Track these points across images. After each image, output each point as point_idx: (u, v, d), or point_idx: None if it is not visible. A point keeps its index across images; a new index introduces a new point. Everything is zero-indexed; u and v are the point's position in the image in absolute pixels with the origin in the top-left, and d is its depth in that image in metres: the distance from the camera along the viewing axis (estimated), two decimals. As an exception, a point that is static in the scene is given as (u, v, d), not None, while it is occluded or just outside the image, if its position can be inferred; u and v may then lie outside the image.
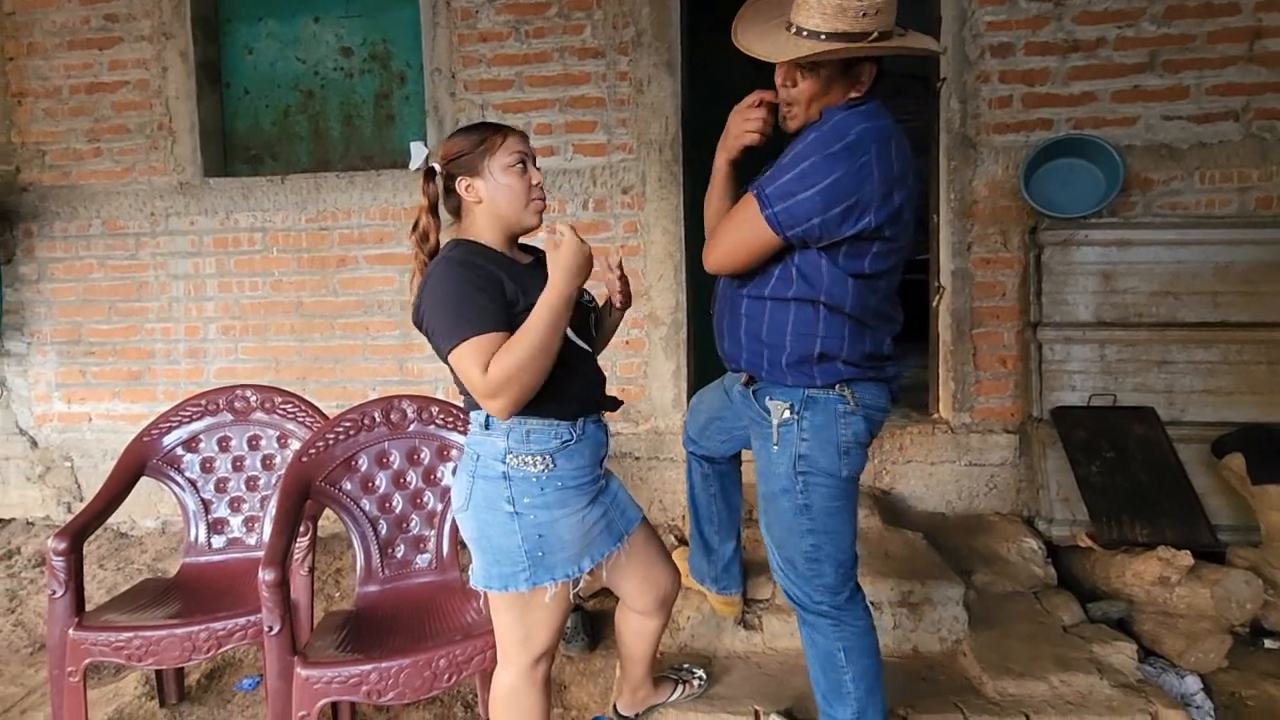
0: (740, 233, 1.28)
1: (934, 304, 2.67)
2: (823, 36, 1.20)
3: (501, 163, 1.24)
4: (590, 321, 1.32)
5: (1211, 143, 2.46)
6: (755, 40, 1.30)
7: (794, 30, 1.25)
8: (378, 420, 1.83)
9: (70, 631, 1.57)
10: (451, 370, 1.21)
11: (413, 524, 1.82)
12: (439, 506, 1.84)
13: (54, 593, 1.60)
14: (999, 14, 2.49)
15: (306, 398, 2.05)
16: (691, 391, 2.74)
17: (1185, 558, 1.93)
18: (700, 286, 2.75)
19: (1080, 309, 2.41)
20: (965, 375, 2.60)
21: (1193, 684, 1.83)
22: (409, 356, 2.83)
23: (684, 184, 2.65)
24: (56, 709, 1.59)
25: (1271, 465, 2.13)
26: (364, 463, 1.79)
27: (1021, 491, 2.54)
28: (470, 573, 1.31)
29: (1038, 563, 2.25)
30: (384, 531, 1.79)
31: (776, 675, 1.87)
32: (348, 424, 1.79)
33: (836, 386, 1.31)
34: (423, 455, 1.85)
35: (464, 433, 1.85)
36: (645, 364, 2.73)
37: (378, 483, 1.80)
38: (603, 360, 2.57)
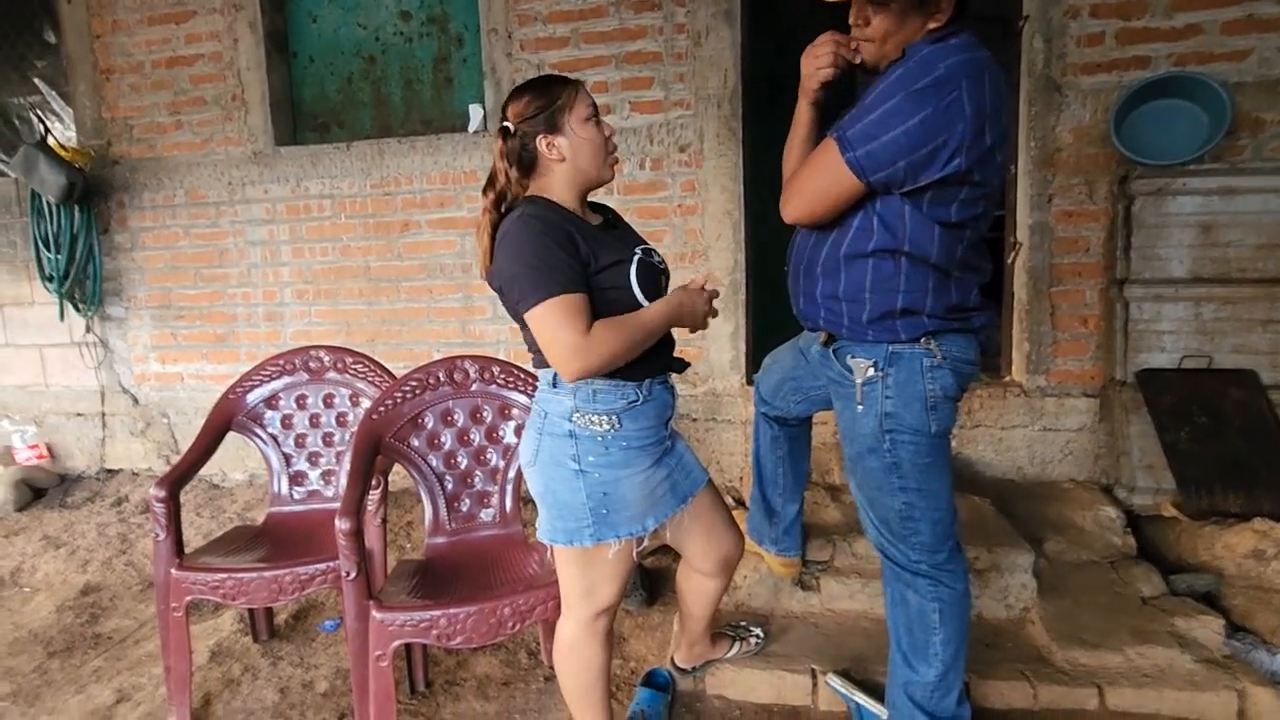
0: (821, 179, 1.22)
1: (1009, 261, 2.52)
2: None
3: (580, 115, 1.24)
4: (662, 284, 1.31)
5: (1338, 76, 2.21)
6: None
7: None
8: (442, 380, 1.89)
9: (172, 571, 1.71)
10: (524, 328, 1.23)
11: (476, 480, 1.89)
12: (501, 463, 1.89)
13: (157, 536, 1.74)
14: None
15: (375, 359, 2.13)
16: (750, 353, 2.71)
17: (1285, 530, 1.80)
18: (760, 247, 2.69)
19: (1174, 264, 2.23)
20: (1041, 336, 2.47)
21: (1285, 662, 1.72)
22: (471, 319, 2.90)
23: (743, 140, 2.58)
24: (164, 640, 1.75)
25: (1391, 433, 1.95)
26: (430, 420, 1.86)
27: (1100, 458, 2.42)
28: (536, 526, 1.35)
29: (1116, 532, 2.15)
30: (450, 486, 1.86)
31: (834, 636, 1.86)
32: (414, 383, 1.85)
33: (922, 340, 1.25)
34: (485, 414, 1.90)
35: (526, 393, 1.89)
36: (703, 325, 2.70)
37: (443, 440, 1.86)
38: None
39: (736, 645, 1.78)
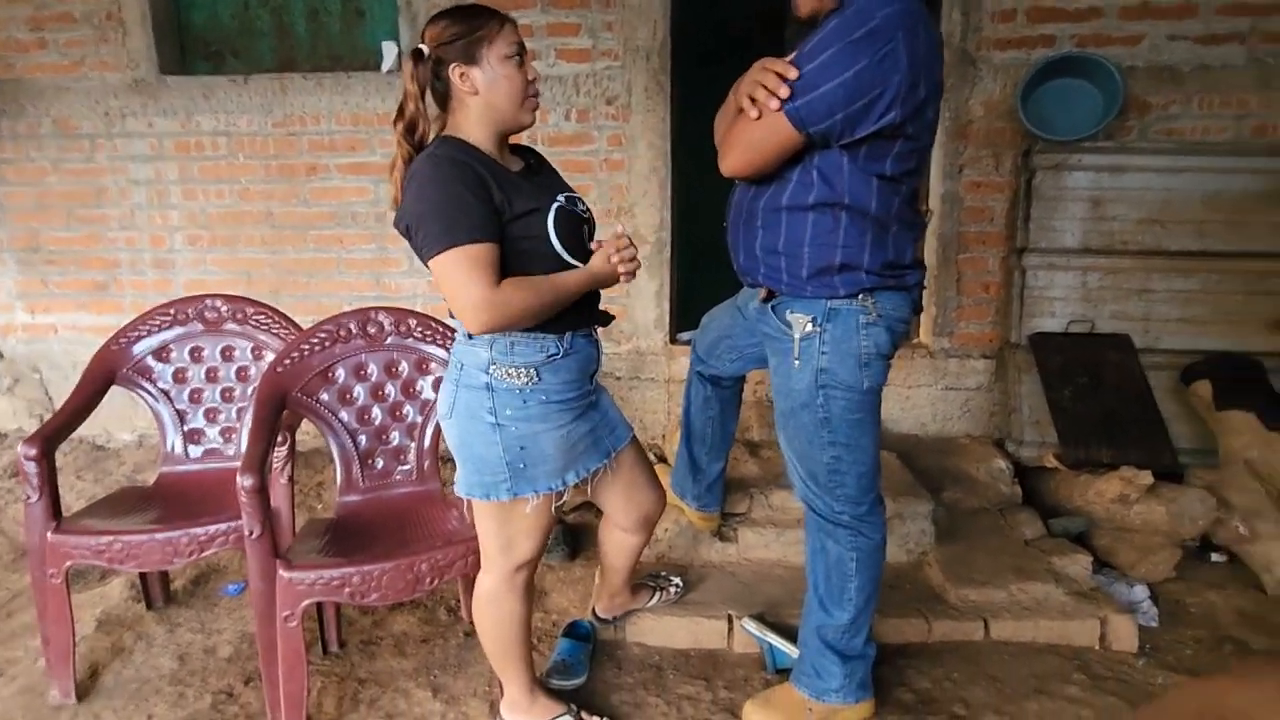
0: (759, 130, 1.20)
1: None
2: None
3: (500, 52, 1.17)
4: (584, 234, 1.27)
5: (1214, 66, 2.39)
6: None
7: None
8: (354, 332, 1.79)
9: (49, 535, 1.56)
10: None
11: (392, 435, 1.82)
12: (419, 419, 1.83)
13: (29, 498, 1.58)
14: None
15: (280, 310, 2.00)
16: (675, 312, 2.72)
17: (1146, 477, 2.00)
18: (688, 207, 2.68)
19: (1067, 235, 2.39)
20: (948, 301, 2.60)
21: (1140, 592, 1.94)
22: (385, 271, 2.76)
23: (672, 96, 2.54)
24: (41, 609, 1.61)
25: (1236, 392, 2.19)
26: (341, 374, 1.77)
27: (994, 415, 2.60)
28: (454, 480, 1.32)
29: (1005, 482, 2.33)
30: (363, 443, 1.79)
31: (750, 583, 1.94)
32: (323, 335, 1.75)
33: (859, 296, 1.27)
34: (401, 368, 1.83)
35: (444, 347, 1.83)
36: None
37: (355, 394, 1.78)
38: None
39: (656, 595, 1.82)
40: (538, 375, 1.22)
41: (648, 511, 1.51)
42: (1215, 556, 2.13)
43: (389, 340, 1.83)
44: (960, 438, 2.62)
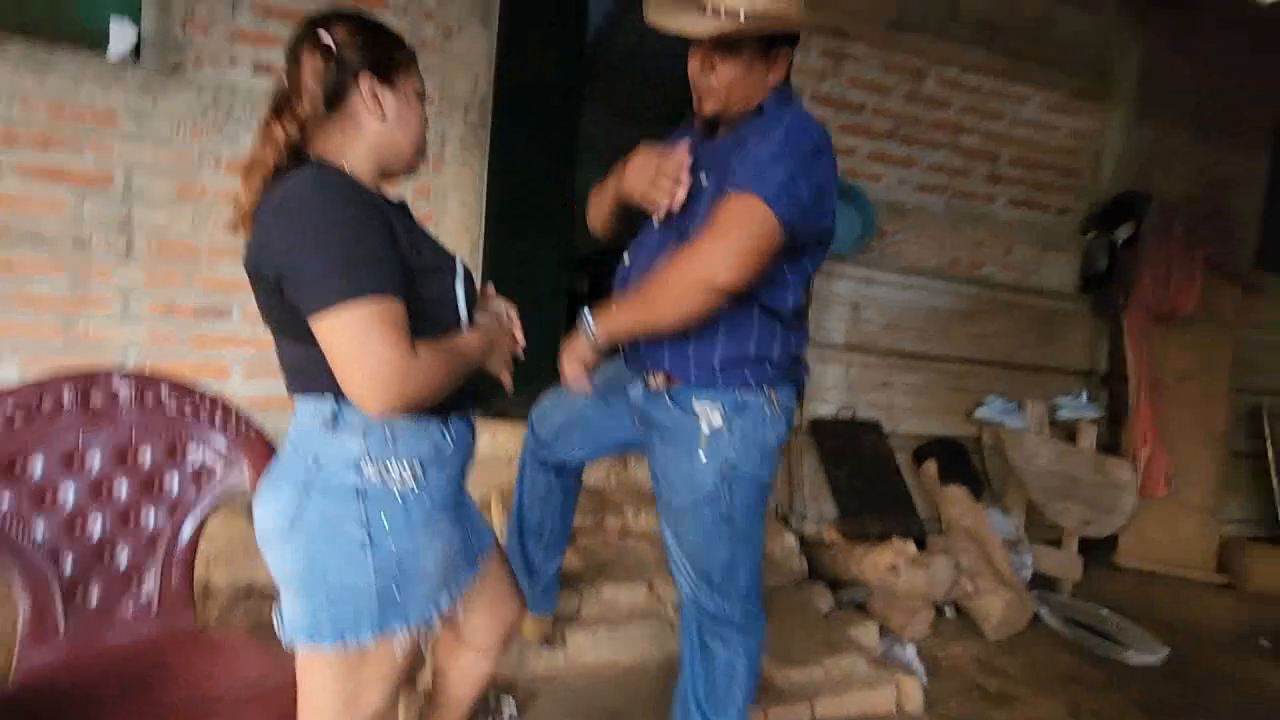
0: (753, 238, 1.11)
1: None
2: (742, 16, 1.15)
3: (413, 86, 0.99)
4: (474, 293, 1.05)
5: (926, 208, 3.04)
6: (671, 19, 1.21)
7: (710, 11, 1.18)
8: (66, 405, 1.25)
9: None
10: (285, 336, 0.91)
11: (120, 554, 1.28)
12: (165, 525, 1.32)
13: None
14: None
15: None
16: (478, 385, 2.47)
17: (911, 547, 2.32)
18: (499, 268, 2.50)
19: (835, 333, 2.77)
20: (739, 384, 2.80)
21: (911, 652, 2.20)
22: (83, 314, 2.04)
23: (490, 154, 2.39)
24: None
25: (953, 470, 2.69)
26: (37, 467, 1.21)
27: (777, 493, 2.82)
28: (276, 618, 0.94)
29: (795, 557, 2.51)
30: (70, 567, 1.22)
31: (585, 693, 1.75)
32: (10, 408, 1.19)
33: (764, 388, 1.24)
34: (141, 456, 1.32)
35: (214, 423, 1.38)
36: (427, 350, 2.38)
37: (61, 496, 1.22)
38: None
39: (489, 727, 1.53)
40: (423, 473, 0.96)
41: (510, 624, 1.27)
42: (948, 612, 2.54)
43: (124, 414, 1.31)
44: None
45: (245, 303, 2.15)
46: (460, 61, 2.31)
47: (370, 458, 0.92)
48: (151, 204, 2.08)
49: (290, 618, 0.94)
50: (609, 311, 1.25)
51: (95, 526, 1.26)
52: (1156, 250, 3.09)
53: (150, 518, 1.31)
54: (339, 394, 0.91)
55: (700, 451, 1.26)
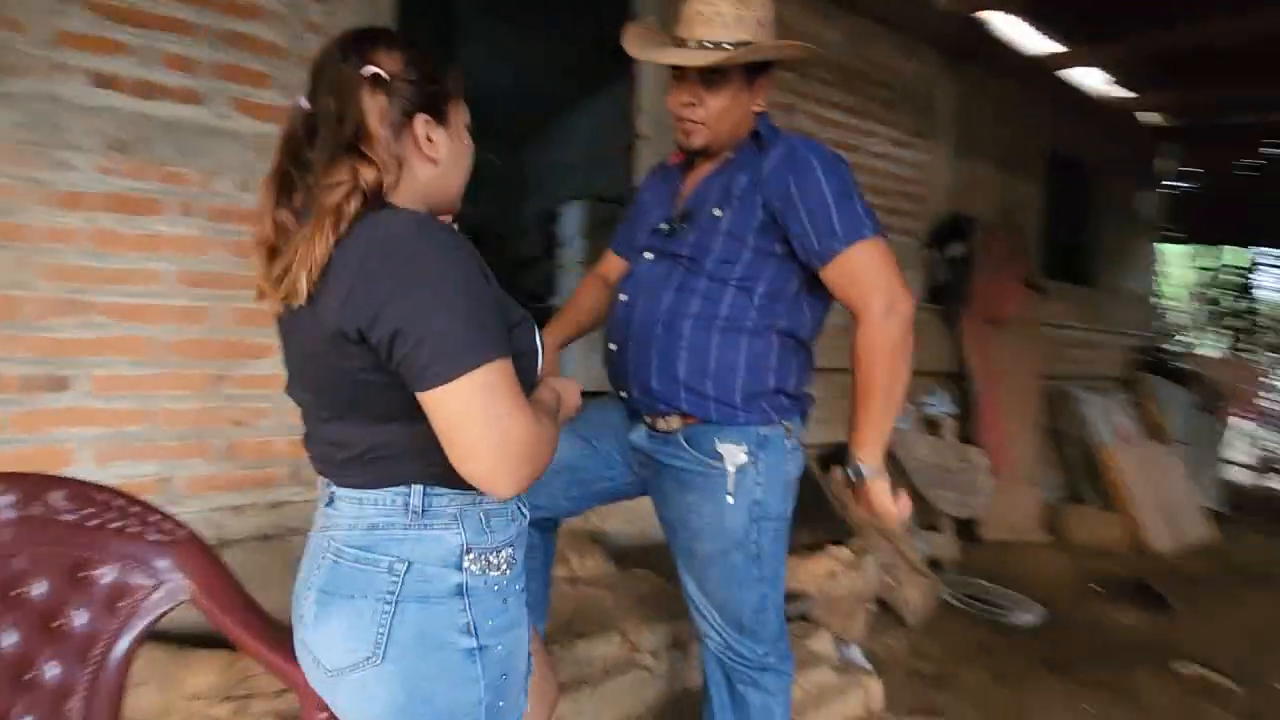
0: (888, 268, 1.17)
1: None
2: (726, 46, 1.17)
3: (464, 117, 0.86)
4: None
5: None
6: (658, 54, 1.22)
7: (693, 44, 1.19)
8: None
9: None
10: (357, 411, 0.76)
11: (13, 727, 0.94)
12: (80, 670, 0.99)
13: None
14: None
15: None
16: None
17: (846, 552, 2.45)
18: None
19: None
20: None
21: (857, 652, 2.31)
22: None
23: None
24: None
25: (857, 473, 2.90)
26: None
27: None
28: None
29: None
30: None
31: (584, 768, 1.61)
32: None
33: (782, 422, 1.23)
34: (32, 589, 0.99)
35: (129, 531, 1.07)
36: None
37: None
38: (269, 404, 2.05)
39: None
40: (514, 558, 0.83)
41: (554, 707, 1.14)
42: (871, 607, 2.71)
43: (5, 534, 0.98)
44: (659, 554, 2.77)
45: (92, 369, 1.73)
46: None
47: (471, 549, 0.77)
48: (-53, 249, 1.59)
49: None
50: (861, 439, 1.19)
51: (-26, 696, 0.91)
52: (983, 264, 3.61)
53: (49, 672, 0.98)
54: (428, 480, 0.76)
55: (728, 495, 1.22)
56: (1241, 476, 5.98)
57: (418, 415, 0.73)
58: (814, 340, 1.32)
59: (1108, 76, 4.73)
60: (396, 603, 0.74)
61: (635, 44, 1.25)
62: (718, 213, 1.23)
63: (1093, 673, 2.40)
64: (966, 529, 3.52)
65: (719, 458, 1.21)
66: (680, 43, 1.21)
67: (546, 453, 0.74)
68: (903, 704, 2.11)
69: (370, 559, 0.76)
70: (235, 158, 1.90)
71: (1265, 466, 5.84)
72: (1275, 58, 4.03)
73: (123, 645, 1.04)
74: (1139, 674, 2.41)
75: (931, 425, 3.48)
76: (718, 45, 1.18)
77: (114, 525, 1.07)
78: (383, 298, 0.68)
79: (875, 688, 2.05)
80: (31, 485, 1.01)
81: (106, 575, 1.05)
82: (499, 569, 0.80)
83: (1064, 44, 4.15)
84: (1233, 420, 5.29)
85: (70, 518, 1.03)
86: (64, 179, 1.70)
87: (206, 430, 1.88)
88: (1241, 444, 5.98)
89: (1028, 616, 2.76)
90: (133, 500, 1.09)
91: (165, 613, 1.08)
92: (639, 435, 1.31)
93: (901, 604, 2.64)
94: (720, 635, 1.29)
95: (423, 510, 0.76)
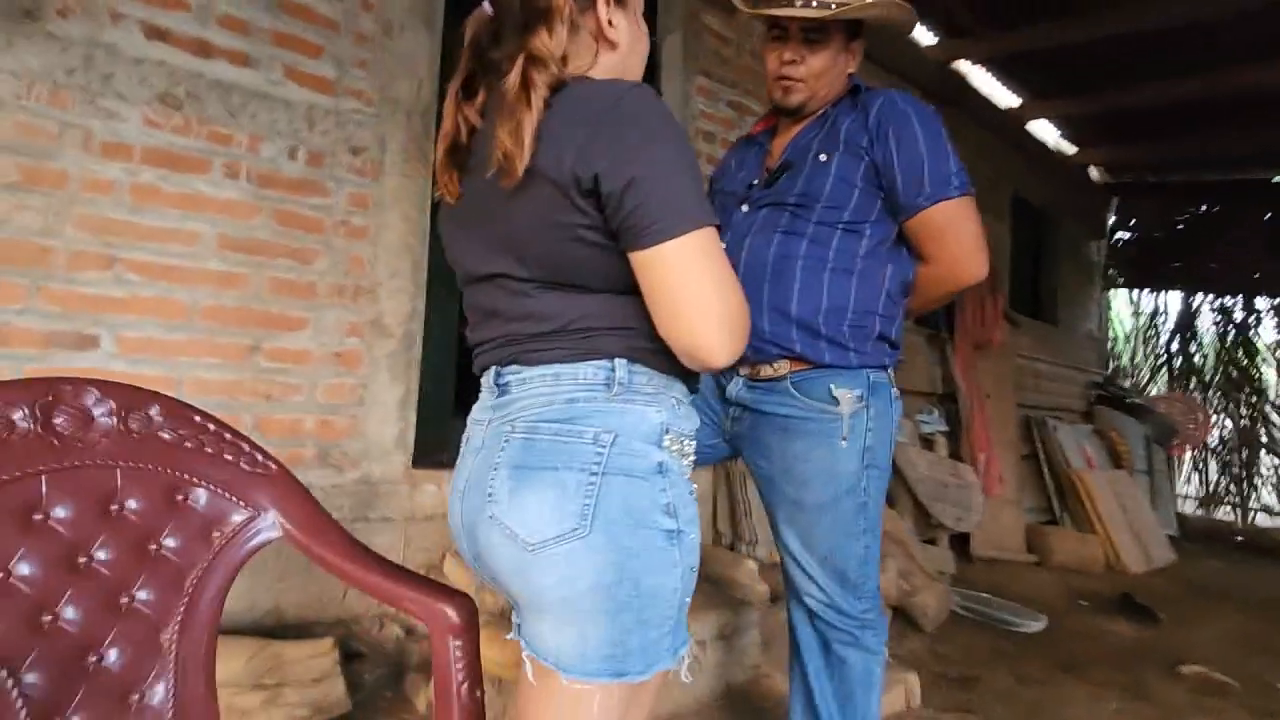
0: (976, 223, 1.23)
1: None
2: (832, 6, 1.23)
3: (639, 6, 0.86)
4: None
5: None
6: (773, 6, 1.27)
7: (800, 4, 1.25)
8: (20, 428, 0.82)
9: None
10: (549, 273, 0.75)
11: (108, 658, 0.84)
12: (179, 604, 0.90)
13: None
14: (708, 106, 2.92)
15: None
16: (420, 427, 2.11)
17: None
18: (439, 295, 2.20)
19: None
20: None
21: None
22: None
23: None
24: None
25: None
26: (-18, 525, 0.76)
27: (721, 521, 2.80)
28: (559, 654, 0.70)
29: (758, 582, 2.49)
30: (36, 683, 0.77)
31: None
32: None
33: (887, 370, 1.24)
34: (128, 504, 0.90)
35: (225, 458, 1.00)
36: (362, 387, 1.99)
37: (16, 573, 0.78)
38: (300, 380, 1.95)
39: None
40: (692, 449, 0.82)
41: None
42: (888, 612, 2.71)
43: (101, 444, 0.89)
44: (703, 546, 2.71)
45: (120, 329, 1.62)
46: (402, 62, 2.06)
47: (670, 431, 0.75)
48: (-24, 188, 1.48)
49: (577, 651, 0.70)
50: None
51: (70, 617, 0.81)
52: (968, 292, 3.79)
53: (149, 596, 0.89)
54: (629, 355, 0.74)
55: (841, 440, 1.22)
56: (1188, 507, 6.33)
57: (626, 288, 0.73)
58: (908, 290, 1.35)
59: (1057, 131, 5.16)
60: (603, 474, 0.71)
61: (744, 3, 1.29)
62: (824, 157, 1.26)
63: (1105, 675, 2.45)
64: (957, 545, 3.59)
65: (834, 402, 1.21)
66: (786, 3, 1.25)
67: (746, 333, 0.74)
68: (935, 701, 2.10)
69: (573, 431, 0.72)
70: (284, 124, 1.85)
71: (1211, 499, 6.20)
72: (1202, 122, 4.51)
73: (217, 578, 0.95)
74: (1148, 675, 2.47)
75: (926, 442, 3.57)
76: (824, 4, 1.22)
77: (209, 450, 0.99)
78: (619, 148, 0.68)
79: (914, 683, 2.04)
80: (130, 396, 0.93)
81: (201, 501, 0.96)
82: (688, 456, 0.78)
83: (1022, 98, 4.53)
84: (1181, 454, 5.62)
85: (167, 436, 0.95)
86: (107, 128, 1.62)
87: (235, 403, 1.77)
88: (1189, 476, 6.34)
89: (1035, 625, 2.80)
90: (225, 427, 1.01)
91: (258, 548, 1.00)
92: (736, 386, 1.30)
93: (919, 611, 2.64)
94: (824, 594, 1.26)
95: (627, 384, 0.74)
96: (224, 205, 1.76)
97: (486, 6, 0.82)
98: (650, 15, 2.74)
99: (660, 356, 0.75)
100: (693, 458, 0.82)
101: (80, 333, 1.58)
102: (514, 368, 0.78)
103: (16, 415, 0.81)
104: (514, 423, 0.75)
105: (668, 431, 0.75)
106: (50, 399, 0.84)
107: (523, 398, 0.76)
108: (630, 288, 0.73)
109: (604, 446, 0.71)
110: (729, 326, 0.69)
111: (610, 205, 0.69)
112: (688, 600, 0.78)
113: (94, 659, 0.82)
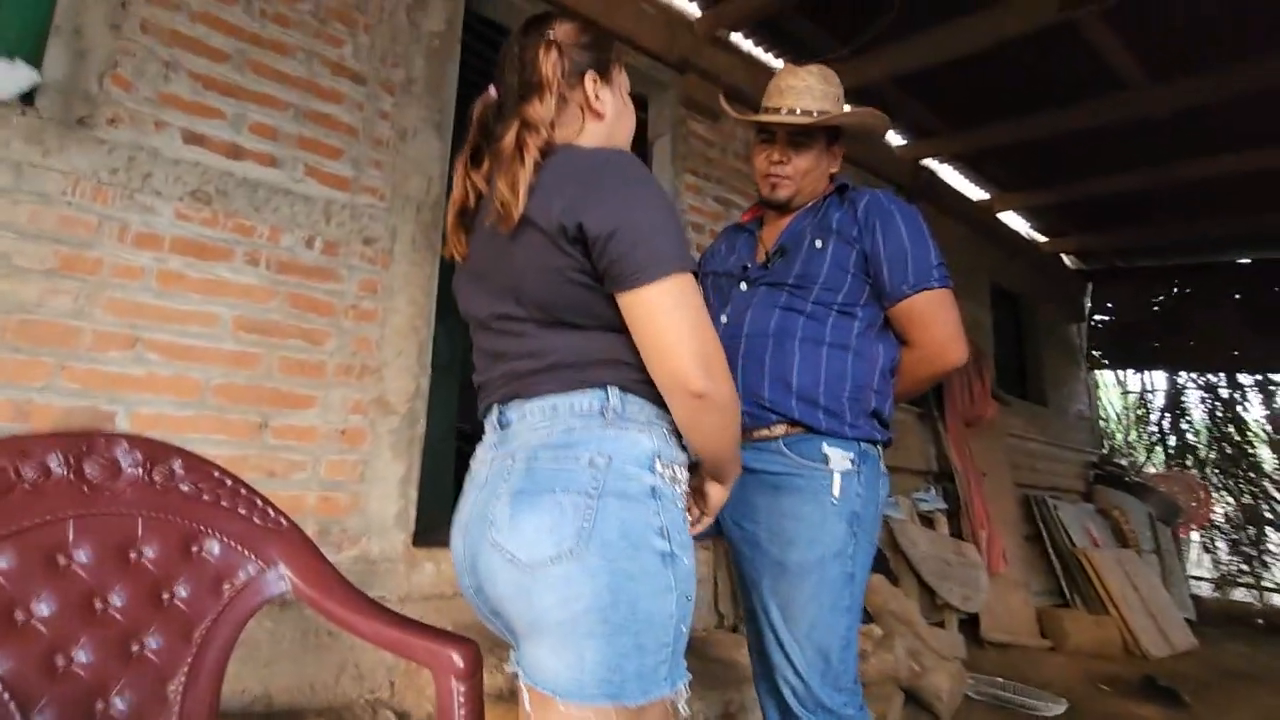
0: (955, 311, 1.32)
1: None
2: (814, 114, 1.37)
3: (624, 84, 0.98)
4: None
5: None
6: (760, 116, 1.41)
7: (785, 111, 1.38)
8: (55, 474, 0.86)
9: None
10: (542, 314, 0.83)
11: (114, 705, 0.84)
12: (184, 650, 0.91)
13: None
14: (696, 201, 3.13)
15: None
16: (422, 505, 2.13)
17: (876, 630, 2.39)
18: (448, 370, 2.28)
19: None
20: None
21: (899, 740, 2.20)
22: None
23: (441, 256, 2.27)
24: None
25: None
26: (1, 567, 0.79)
27: (721, 603, 2.75)
28: (523, 678, 0.73)
29: (763, 664, 2.42)
30: (50, 726, 0.77)
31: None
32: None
33: (878, 445, 1.29)
34: (146, 549, 0.93)
35: (238, 511, 1.03)
36: (364, 464, 2.02)
37: (36, 612, 0.80)
38: (304, 456, 1.98)
39: None
40: (685, 479, 0.87)
41: None
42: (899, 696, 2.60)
43: (128, 493, 0.93)
44: (698, 632, 2.65)
45: (136, 406, 1.68)
46: (414, 163, 2.25)
47: (660, 455, 0.81)
48: (17, 275, 1.59)
49: (573, 675, 0.71)
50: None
51: (83, 659, 0.83)
52: (957, 373, 3.89)
53: (158, 642, 0.90)
54: (622, 385, 0.81)
55: (831, 498, 1.22)
56: (1201, 589, 6.14)
57: (616, 325, 0.80)
58: (895, 371, 1.41)
59: (1026, 222, 5.46)
60: (600, 496, 0.75)
61: (735, 110, 1.45)
62: (819, 243, 1.35)
63: (1131, 759, 2.33)
64: (967, 630, 3.48)
65: (824, 460, 1.24)
66: (774, 111, 1.40)
67: (721, 369, 0.80)
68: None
69: (569, 455, 0.77)
70: (303, 216, 2.00)
71: (1224, 580, 6.03)
72: (1157, 211, 4.80)
73: (225, 631, 0.96)
74: (1176, 759, 2.35)
75: (926, 520, 3.54)
76: (806, 112, 1.37)
77: (225, 504, 1.03)
78: (603, 199, 0.78)
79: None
80: (156, 450, 0.98)
81: (215, 552, 0.99)
82: (680, 483, 0.83)
83: (989, 191, 4.84)
84: (1187, 533, 5.54)
85: (187, 489, 0.99)
86: (141, 220, 1.75)
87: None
88: (1199, 557, 6.20)
89: (1056, 708, 2.69)
90: (240, 483, 1.06)
91: (266, 601, 1.02)
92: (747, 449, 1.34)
93: (932, 695, 2.54)
94: (802, 680, 1.20)
95: (620, 411, 0.80)
96: (243, 290, 1.87)
97: (491, 91, 0.95)
98: (641, 121, 3.00)
99: (651, 388, 0.82)
100: (685, 488, 0.86)
101: (97, 409, 1.64)
102: (515, 403, 0.84)
103: (53, 462, 0.86)
104: (515, 455, 0.80)
105: (659, 457, 0.80)
106: (85, 449, 0.89)
107: (523, 431, 0.82)
108: (620, 325, 0.80)
109: (600, 469, 0.77)
110: (701, 360, 0.77)
111: (596, 251, 0.77)
112: (685, 630, 0.80)
113: (101, 705, 0.82)
